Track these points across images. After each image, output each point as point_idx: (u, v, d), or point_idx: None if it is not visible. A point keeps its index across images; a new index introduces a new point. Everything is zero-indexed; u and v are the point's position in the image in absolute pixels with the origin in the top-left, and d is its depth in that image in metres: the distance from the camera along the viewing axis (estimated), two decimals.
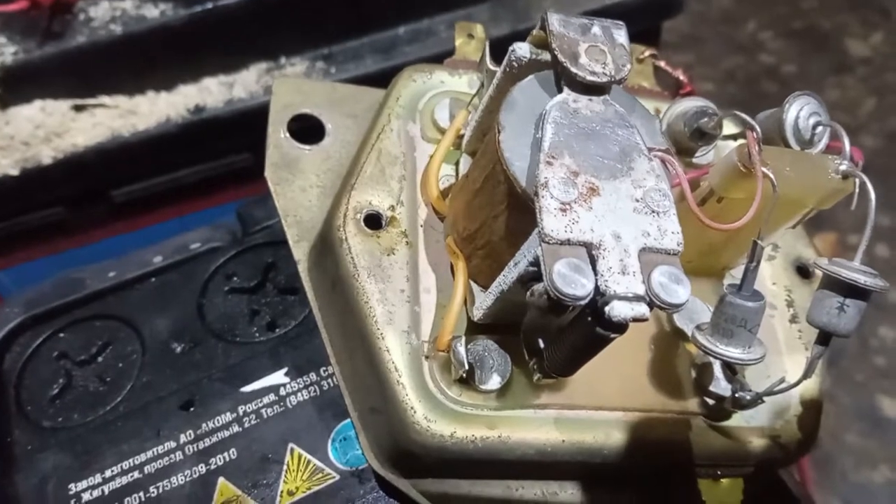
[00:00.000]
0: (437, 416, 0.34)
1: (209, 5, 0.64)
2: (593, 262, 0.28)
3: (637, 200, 0.31)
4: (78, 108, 0.66)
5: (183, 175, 0.70)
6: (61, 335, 0.47)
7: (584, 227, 0.29)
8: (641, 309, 0.28)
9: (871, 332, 1.19)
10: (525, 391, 0.36)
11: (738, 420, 0.38)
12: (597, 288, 0.28)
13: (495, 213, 0.34)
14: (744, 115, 0.35)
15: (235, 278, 0.48)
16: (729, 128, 0.41)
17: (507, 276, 0.31)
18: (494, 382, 0.35)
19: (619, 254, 0.29)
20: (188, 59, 0.67)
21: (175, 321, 0.46)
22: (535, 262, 0.29)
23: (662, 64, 0.51)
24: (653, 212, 0.30)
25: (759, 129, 0.35)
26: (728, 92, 1.46)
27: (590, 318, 0.29)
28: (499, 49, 0.43)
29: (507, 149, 0.31)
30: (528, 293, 0.30)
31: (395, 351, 0.35)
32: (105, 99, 0.66)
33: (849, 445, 1.11)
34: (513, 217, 0.32)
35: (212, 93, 0.68)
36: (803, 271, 0.45)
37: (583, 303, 0.28)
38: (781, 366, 0.41)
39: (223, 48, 0.67)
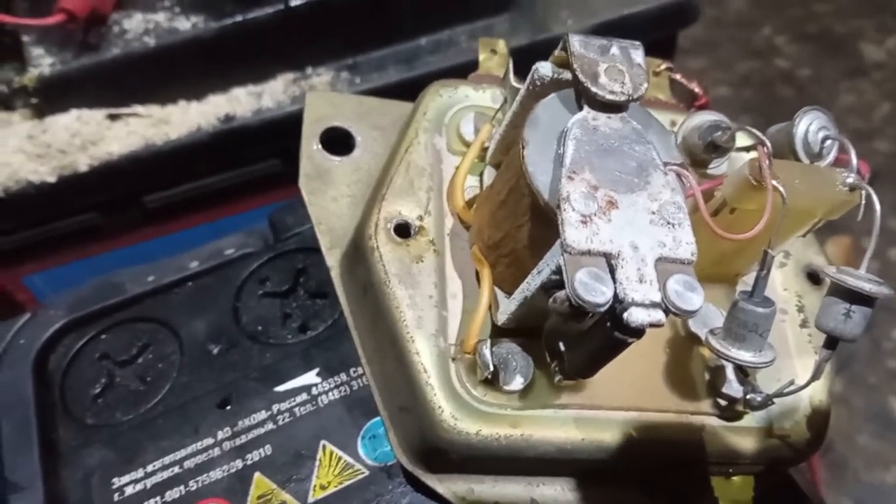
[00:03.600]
0: (464, 415, 0.36)
1: (238, 18, 0.66)
2: (612, 271, 0.30)
3: (653, 213, 0.32)
4: (112, 118, 0.68)
5: (213, 182, 0.73)
6: (103, 337, 0.49)
7: (604, 238, 0.31)
8: (658, 315, 0.30)
9: (885, 334, 1.20)
10: (547, 392, 0.38)
11: (749, 421, 0.40)
12: (616, 296, 0.30)
13: (519, 224, 0.36)
14: (754, 131, 0.37)
15: (268, 283, 0.50)
16: (742, 139, 0.43)
17: (531, 283, 0.33)
18: (517, 383, 0.37)
19: (636, 263, 0.31)
20: (218, 70, 0.69)
21: (211, 324, 0.48)
22: (558, 271, 0.31)
23: (678, 77, 0.52)
24: (668, 223, 0.32)
25: (769, 144, 0.36)
26: (743, 96, 1.47)
27: (609, 324, 0.31)
28: (518, 59, 0.45)
29: (530, 163, 0.33)
30: (551, 300, 0.32)
31: (424, 353, 0.37)
32: (138, 108, 0.68)
33: (861, 447, 1.12)
34: (536, 228, 0.34)
35: (241, 102, 0.70)
36: (814, 277, 0.47)
37: (602, 310, 0.29)
38: (792, 369, 0.43)
39: (252, 59, 0.69)
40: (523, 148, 0.34)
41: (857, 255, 1.27)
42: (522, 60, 0.42)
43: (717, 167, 0.43)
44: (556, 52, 0.37)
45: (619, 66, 0.35)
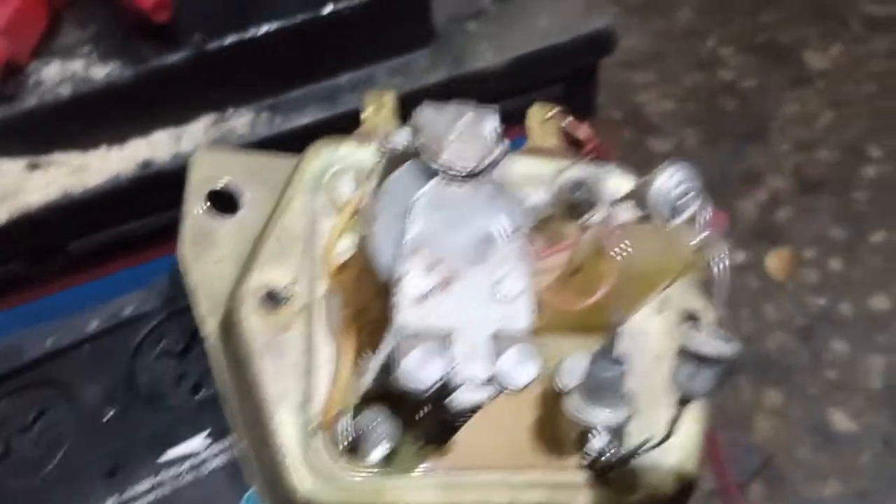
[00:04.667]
0: (326, 489, 0.37)
1: (154, 63, 0.67)
2: (444, 353, 0.31)
3: (494, 284, 0.33)
4: (31, 168, 0.68)
5: (136, 227, 0.73)
6: (1, 402, 0.50)
7: (440, 316, 0.32)
8: (482, 395, 0.31)
9: (824, 346, 1.22)
10: (412, 456, 0.39)
11: (617, 475, 0.41)
12: (443, 379, 0.30)
13: (376, 294, 0.36)
14: (598, 191, 0.38)
15: (164, 342, 0.51)
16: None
17: (375, 363, 0.34)
18: (379, 452, 0.37)
19: (470, 339, 0.32)
20: (137, 115, 0.69)
21: (106, 387, 0.49)
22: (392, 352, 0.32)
23: (565, 123, 0.53)
24: (507, 296, 0.33)
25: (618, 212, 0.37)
26: (688, 110, 1.49)
27: (437, 406, 0.31)
28: (437, 94, 0.44)
29: (376, 240, 0.34)
30: (388, 383, 0.32)
31: (284, 427, 0.38)
32: (58, 157, 0.68)
33: (800, 460, 1.14)
34: (384, 301, 0.35)
35: (160, 146, 0.70)
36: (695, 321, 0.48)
37: (428, 395, 0.30)
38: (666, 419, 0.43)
39: (171, 102, 0.69)
40: (369, 224, 0.34)
41: (799, 268, 1.29)
42: (441, 95, 0.42)
43: (593, 217, 0.44)
44: (411, 120, 0.38)
45: (467, 138, 0.36)
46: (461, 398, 0.30)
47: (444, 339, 0.31)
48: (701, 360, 0.36)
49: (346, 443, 0.37)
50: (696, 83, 1.52)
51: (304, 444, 0.37)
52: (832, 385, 1.18)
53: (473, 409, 0.31)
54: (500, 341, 0.32)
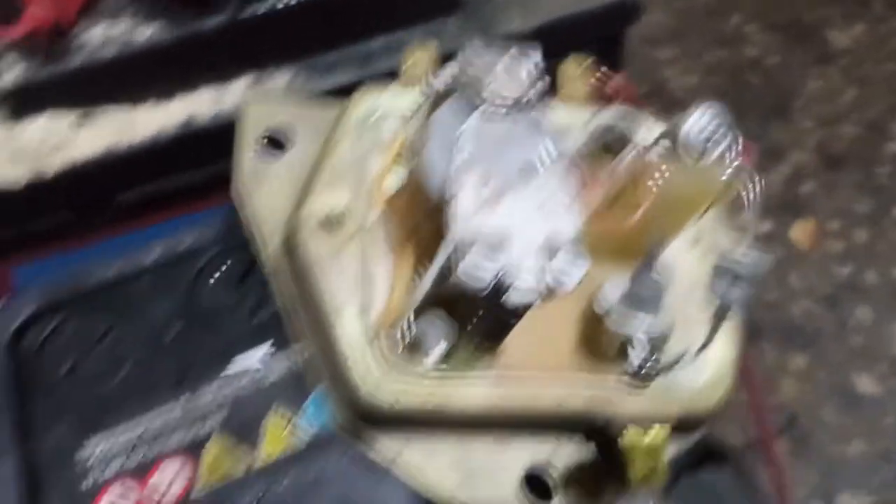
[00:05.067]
0: (387, 384, 0.41)
1: (194, 27, 0.70)
2: (498, 255, 0.34)
3: (542, 200, 0.36)
4: (80, 122, 0.72)
5: (177, 181, 0.76)
6: (70, 322, 0.54)
7: (493, 226, 0.35)
8: (532, 297, 0.34)
9: (849, 313, 1.24)
10: (466, 357, 0.42)
11: (655, 387, 0.44)
12: (498, 278, 0.34)
13: (427, 216, 0.39)
14: (631, 132, 0.41)
15: (221, 273, 0.54)
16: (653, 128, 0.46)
17: (432, 270, 0.37)
18: (437, 352, 0.41)
19: (522, 245, 0.35)
20: (179, 75, 0.73)
21: (168, 311, 0.53)
22: (450, 258, 0.35)
23: (599, 74, 0.56)
24: (554, 209, 0.36)
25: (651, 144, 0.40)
26: (712, 85, 1.50)
27: (493, 305, 0.35)
28: None
29: (427, 164, 0.37)
30: (447, 283, 0.36)
31: (348, 330, 0.41)
32: (105, 113, 0.72)
33: (825, 421, 1.16)
34: (437, 219, 0.38)
35: (203, 104, 0.73)
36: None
37: (485, 291, 0.33)
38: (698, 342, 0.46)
39: (212, 64, 0.73)
40: (422, 147, 0.38)
41: (823, 239, 1.31)
42: None
43: (624, 159, 0.47)
44: (458, 56, 0.41)
45: (510, 71, 0.39)
46: (515, 296, 0.33)
47: (497, 244, 0.34)
48: (736, 273, 0.39)
49: (404, 344, 0.40)
50: (720, 59, 1.53)
51: (365, 347, 0.41)
52: (857, 351, 1.20)
53: (526, 307, 0.34)
54: (549, 247, 0.35)
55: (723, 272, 0.39)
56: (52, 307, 0.55)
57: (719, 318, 0.41)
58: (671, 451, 0.46)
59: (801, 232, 1.30)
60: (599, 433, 0.44)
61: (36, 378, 0.51)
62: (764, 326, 1.21)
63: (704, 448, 0.49)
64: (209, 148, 0.74)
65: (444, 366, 0.42)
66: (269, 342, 0.50)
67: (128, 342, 0.52)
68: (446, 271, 0.36)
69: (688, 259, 0.49)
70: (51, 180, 0.70)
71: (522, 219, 0.35)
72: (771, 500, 0.50)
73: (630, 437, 0.43)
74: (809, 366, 1.20)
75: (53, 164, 0.71)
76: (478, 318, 0.38)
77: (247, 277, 0.54)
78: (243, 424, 0.47)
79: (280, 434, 0.46)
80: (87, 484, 0.46)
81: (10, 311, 0.55)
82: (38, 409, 0.50)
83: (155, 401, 0.49)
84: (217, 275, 0.54)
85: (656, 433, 0.43)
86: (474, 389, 0.42)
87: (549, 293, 0.34)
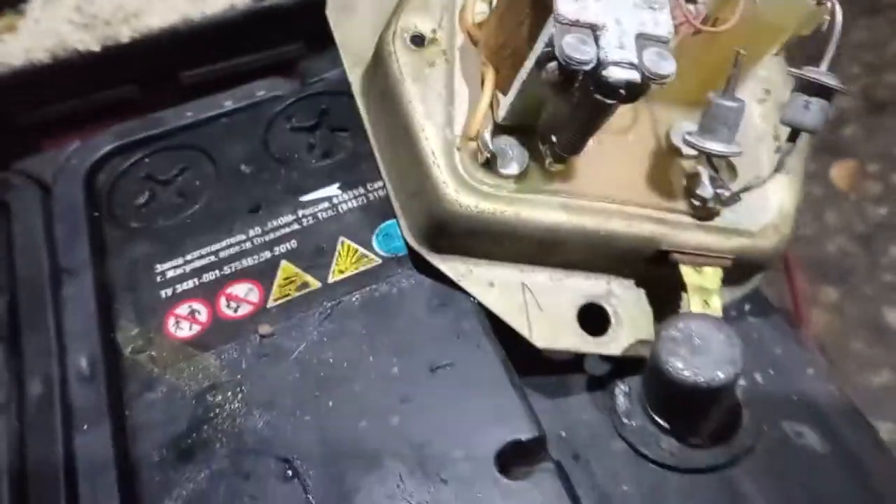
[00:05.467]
0: (465, 192, 0.42)
1: None
2: (597, 39, 0.35)
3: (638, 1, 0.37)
4: None
5: (245, 61, 0.77)
6: (146, 160, 0.55)
7: (591, 13, 0.36)
8: (634, 74, 0.35)
9: (883, 251, 1.24)
10: (538, 179, 0.43)
11: (720, 221, 0.45)
12: (598, 57, 0.35)
13: (520, 21, 0.40)
14: None
15: (295, 119, 0.56)
16: None
17: (528, 62, 0.38)
18: (513, 168, 0.42)
19: (618, 34, 0.36)
20: None
21: (243, 150, 0.54)
22: (550, 43, 0.36)
23: None
24: (650, 7, 0.37)
25: None
26: None
27: (591, 86, 0.35)
28: None
29: None
30: (543, 72, 0.37)
31: (432, 139, 0.42)
32: None
33: (854, 353, 1.17)
34: (535, 17, 0.39)
35: None
36: None
37: (587, 67, 0.34)
38: (764, 188, 0.47)
39: None
40: None
41: (863, 180, 1.31)
42: None
43: None
44: None
45: None
46: (614, 73, 0.34)
47: (596, 29, 0.35)
48: (814, 91, 0.39)
49: (484, 158, 0.41)
50: None
51: (447, 157, 0.42)
52: (888, 287, 1.21)
53: (622, 88, 0.35)
54: (645, 40, 0.36)
55: (800, 93, 0.40)
56: (128, 147, 0.56)
57: (791, 142, 0.41)
58: (725, 297, 0.47)
59: (840, 172, 1.30)
60: (656, 270, 0.45)
61: (112, 209, 0.53)
62: (797, 261, 1.22)
63: (752, 299, 0.50)
64: (278, 28, 0.75)
65: (518, 184, 0.43)
66: (338, 184, 0.51)
67: (202, 179, 0.53)
68: (543, 63, 0.37)
69: (756, 111, 0.50)
70: (121, 49, 0.72)
71: (621, 10, 0.36)
72: (815, 353, 0.50)
73: (687, 273, 0.44)
74: (840, 299, 1.21)
75: (125, 32, 0.72)
76: (559, 128, 0.39)
77: (317, 127, 0.55)
78: (313, 253, 0.48)
79: (350, 259, 0.47)
80: (159, 300, 0.47)
81: (87, 149, 0.56)
82: (114, 234, 0.51)
83: (227, 230, 0.50)
84: (290, 122, 0.55)
85: (712, 273, 0.45)
86: (544, 210, 0.43)
87: (641, 81, 0.35)
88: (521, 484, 0.39)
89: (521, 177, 0.43)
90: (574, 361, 0.48)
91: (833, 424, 0.45)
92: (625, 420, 0.45)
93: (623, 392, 0.46)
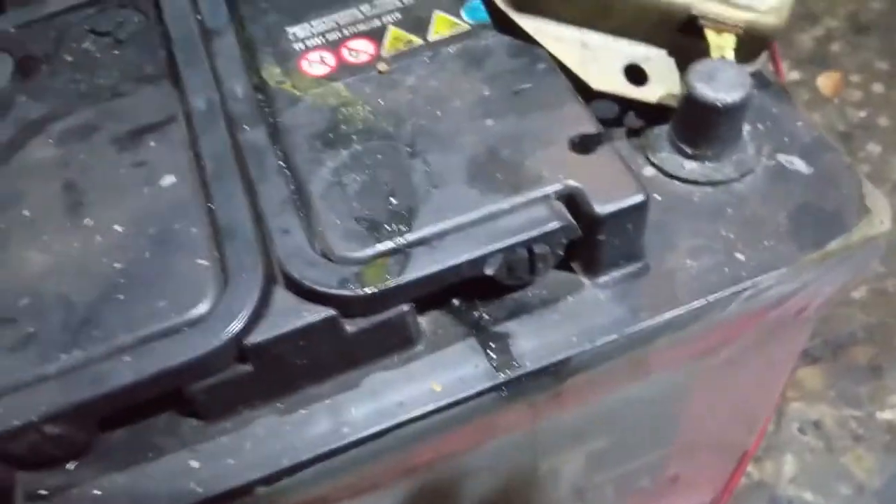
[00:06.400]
0: None
1: None
2: None
3: None
4: None
5: None
6: None
7: None
8: None
9: (860, 147, 1.39)
10: None
11: None
12: None
13: None
14: None
15: None
16: None
17: None
18: None
19: None
20: None
21: None
22: None
23: None
24: None
25: None
26: None
27: None
28: None
29: None
30: None
31: None
32: None
33: None
34: None
35: None
36: None
37: None
38: None
39: None
40: None
41: (846, 87, 1.45)
42: None
43: None
44: None
45: None
46: None
47: None
48: None
49: None
50: None
51: None
52: (864, 176, 1.35)
53: None
54: None
55: None
56: None
57: None
58: None
59: (826, 81, 1.45)
60: (684, 39, 0.58)
61: None
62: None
63: (757, 76, 0.63)
64: None
65: None
66: None
67: None
68: None
69: None
70: None
71: None
72: (804, 112, 0.65)
73: (709, 35, 0.58)
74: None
75: None
76: None
77: None
78: (415, 20, 0.61)
79: (444, 25, 0.60)
80: (293, 52, 0.60)
81: None
82: (246, 7, 0.63)
83: (342, 3, 0.62)
84: None
85: (729, 36, 0.58)
86: None
87: None
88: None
89: None
90: (615, 119, 0.62)
91: (815, 155, 0.59)
92: (657, 152, 0.59)
93: (654, 134, 0.60)
